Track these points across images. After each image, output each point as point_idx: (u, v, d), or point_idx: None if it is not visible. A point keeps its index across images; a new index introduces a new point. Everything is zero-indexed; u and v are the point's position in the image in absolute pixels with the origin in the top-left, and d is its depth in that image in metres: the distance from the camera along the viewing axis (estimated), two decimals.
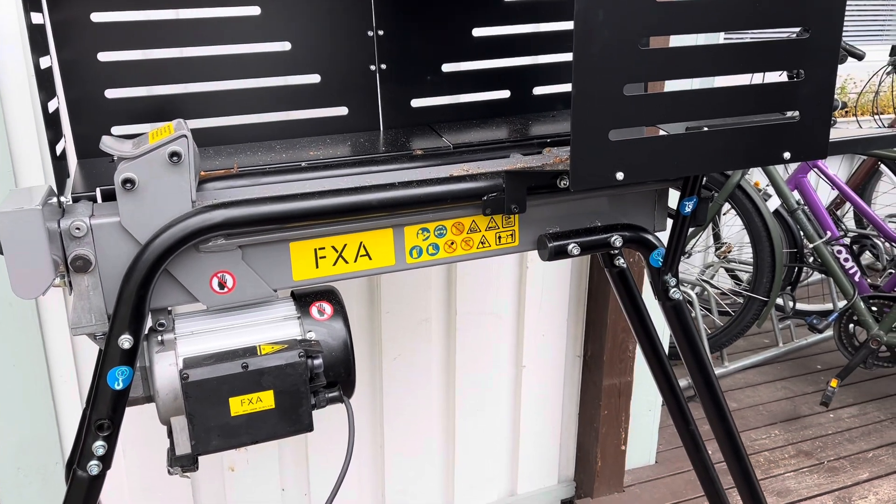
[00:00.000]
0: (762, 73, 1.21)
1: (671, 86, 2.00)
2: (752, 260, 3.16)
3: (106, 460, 1.12)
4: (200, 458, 1.78)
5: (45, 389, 1.79)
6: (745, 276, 3.56)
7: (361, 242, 1.24)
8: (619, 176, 1.13)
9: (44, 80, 1.17)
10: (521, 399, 2.41)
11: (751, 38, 3.59)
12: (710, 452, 1.71)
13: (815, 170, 3.18)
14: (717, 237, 3.56)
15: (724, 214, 3.49)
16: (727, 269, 3.62)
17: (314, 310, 1.24)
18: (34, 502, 1.86)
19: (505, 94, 1.60)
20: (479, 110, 1.60)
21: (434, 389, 2.28)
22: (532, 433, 2.46)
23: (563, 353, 2.43)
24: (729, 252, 3.49)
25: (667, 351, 1.68)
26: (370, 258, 1.25)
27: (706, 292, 3.42)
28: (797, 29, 1.19)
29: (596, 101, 1.08)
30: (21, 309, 1.71)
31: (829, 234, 3.10)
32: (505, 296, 2.28)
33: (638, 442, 2.62)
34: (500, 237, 1.33)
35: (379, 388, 2.18)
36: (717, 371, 3.29)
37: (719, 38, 2.70)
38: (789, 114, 1.22)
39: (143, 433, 1.93)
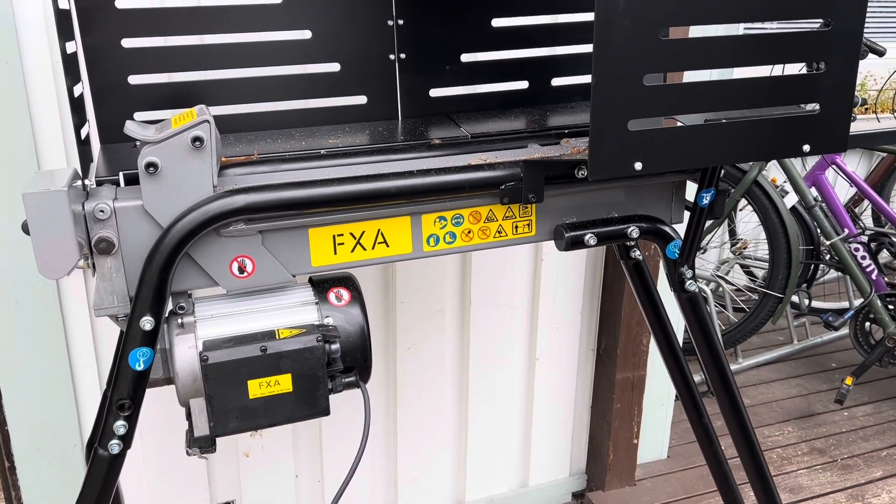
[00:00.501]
0: (779, 66, 1.21)
1: (689, 77, 1.99)
2: (767, 256, 3.14)
3: (127, 440, 1.14)
4: (217, 441, 1.80)
5: (66, 373, 1.82)
6: (760, 273, 3.54)
7: (379, 230, 1.25)
8: (638, 166, 1.13)
9: (69, 65, 1.18)
10: (533, 391, 2.41)
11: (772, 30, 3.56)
12: (723, 448, 1.71)
13: (834, 166, 3.16)
14: (732, 233, 3.55)
15: (741, 210, 3.47)
16: (742, 266, 3.60)
17: (332, 296, 1.26)
18: (52, 484, 1.89)
19: (523, 84, 1.60)
20: (498, 101, 1.60)
21: (447, 380, 2.29)
22: (544, 426, 2.47)
23: (576, 345, 2.43)
24: (745, 248, 3.48)
25: (681, 345, 1.68)
26: (388, 245, 1.26)
27: (721, 288, 3.40)
28: (819, 21, 1.19)
29: (615, 91, 1.08)
30: (43, 293, 1.74)
31: (846, 231, 3.08)
32: (519, 288, 2.29)
33: (650, 436, 2.62)
34: (516, 227, 1.33)
35: (393, 377, 2.20)
36: (731, 367, 3.28)
37: (739, 29, 2.69)
38: (809, 107, 1.22)
39: (160, 417, 1.95)
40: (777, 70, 2.46)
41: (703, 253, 3.41)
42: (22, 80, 1.60)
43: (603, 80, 1.07)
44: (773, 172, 3.68)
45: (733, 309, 3.41)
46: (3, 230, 1.67)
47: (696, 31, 1.85)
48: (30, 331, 1.76)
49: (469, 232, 1.30)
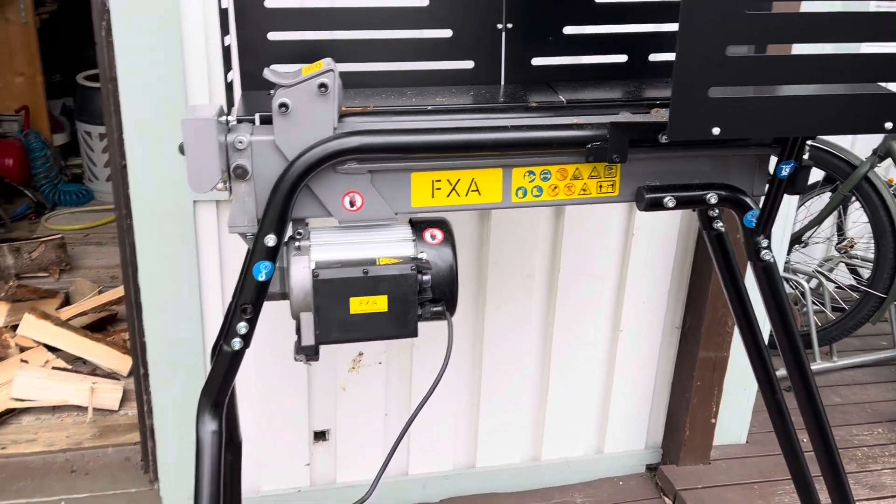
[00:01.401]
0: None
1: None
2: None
3: (247, 339, 1.34)
4: (318, 375, 2.01)
5: (196, 296, 2.08)
6: (867, 274, 3.44)
7: (473, 179, 1.39)
8: (716, 131, 1.22)
9: (223, 20, 1.39)
10: (615, 362, 2.50)
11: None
12: (801, 439, 1.73)
13: None
14: (840, 230, 3.46)
15: (851, 203, 3.37)
16: (848, 265, 3.51)
17: (427, 235, 1.41)
18: (177, 392, 2.15)
19: (622, 58, 1.69)
20: (596, 72, 1.70)
21: (532, 341, 2.41)
22: (623, 396, 2.55)
23: (661, 321, 2.50)
24: (851, 247, 3.39)
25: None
26: (480, 194, 1.40)
27: (821, 286, 3.34)
28: None
29: (698, 59, 1.17)
30: (183, 223, 1.99)
31: None
32: (609, 260, 2.38)
33: (729, 419, 2.64)
34: (601, 186, 1.44)
35: (480, 333, 2.34)
36: (825, 365, 3.23)
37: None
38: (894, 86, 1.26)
39: (271, 350, 2.17)
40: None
41: (803, 247, 3.35)
42: (179, 33, 1.84)
43: (687, 48, 1.16)
44: (891, 172, 3.55)
45: (832, 308, 3.34)
46: (155, 165, 1.93)
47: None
48: (170, 256, 2.02)
49: (555, 188, 1.42)
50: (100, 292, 3.35)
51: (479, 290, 2.30)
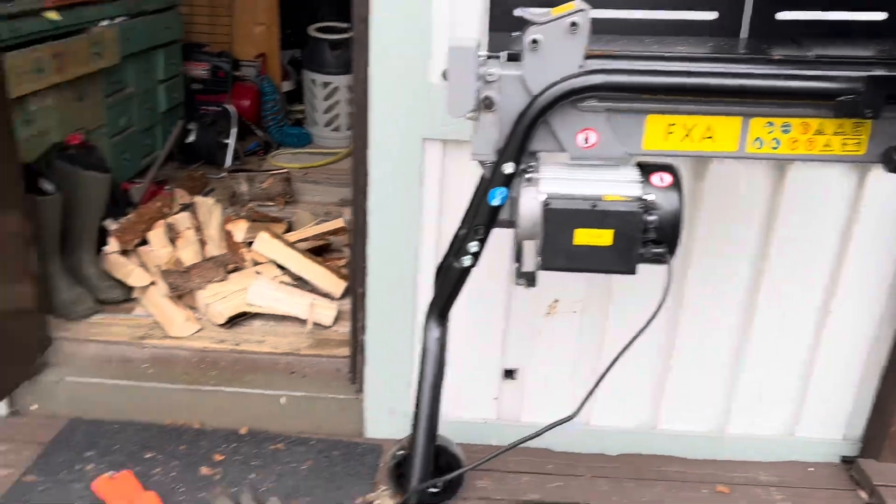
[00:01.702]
0: None
1: None
2: None
3: (476, 257, 1.47)
4: (514, 319, 2.09)
5: (415, 227, 2.24)
6: None
7: (709, 126, 1.41)
8: None
9: None
10: (821, 343, 2.38)
11: None
12: None
13: None
14: None
15: None
16: None
17: (655, 178, 1.45)
18: (386, 312, 2.35)
19: (880, 15, 1.60)
20: (846, 29, 1.62)
21: (733, 310, 2.36)
22: (825, 381, 2.43)
23: (879, 306, 2.34)
24: None
25: None
26: (713, 140, 1.41)
27: None
28: None
29: None
30: (410, 158, 2.16)
31: None
32: (829, 235, 2.26)
33: None
34: (845, 143, 1.39)
35: (680, 292, 2.33)
36: None
37: None
38: None
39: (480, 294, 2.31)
40: None
41: None
42: None
43: None
44: None
45: None
46: (393, 102, 2.10)
47: None
48: (397, 187, 2.20)
49: (795, 141, 1.40)
50: (317, 224, 3.68)
51: (686, 248, 2.28)
